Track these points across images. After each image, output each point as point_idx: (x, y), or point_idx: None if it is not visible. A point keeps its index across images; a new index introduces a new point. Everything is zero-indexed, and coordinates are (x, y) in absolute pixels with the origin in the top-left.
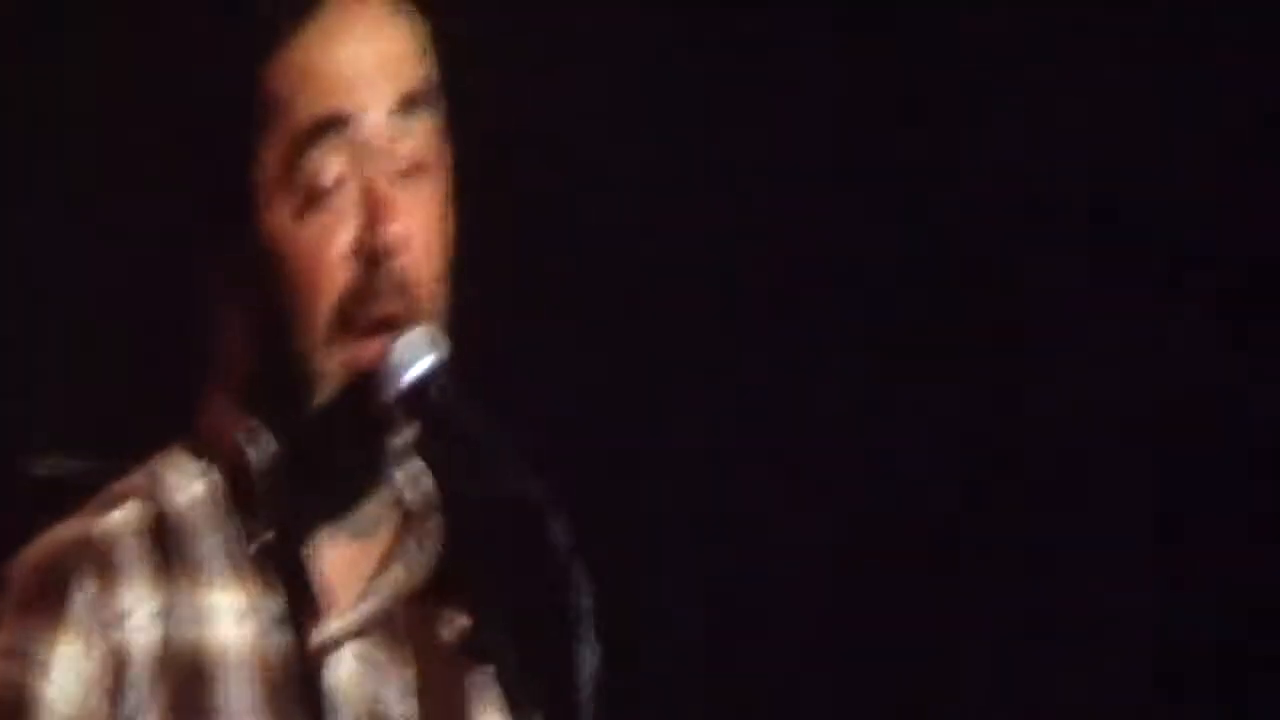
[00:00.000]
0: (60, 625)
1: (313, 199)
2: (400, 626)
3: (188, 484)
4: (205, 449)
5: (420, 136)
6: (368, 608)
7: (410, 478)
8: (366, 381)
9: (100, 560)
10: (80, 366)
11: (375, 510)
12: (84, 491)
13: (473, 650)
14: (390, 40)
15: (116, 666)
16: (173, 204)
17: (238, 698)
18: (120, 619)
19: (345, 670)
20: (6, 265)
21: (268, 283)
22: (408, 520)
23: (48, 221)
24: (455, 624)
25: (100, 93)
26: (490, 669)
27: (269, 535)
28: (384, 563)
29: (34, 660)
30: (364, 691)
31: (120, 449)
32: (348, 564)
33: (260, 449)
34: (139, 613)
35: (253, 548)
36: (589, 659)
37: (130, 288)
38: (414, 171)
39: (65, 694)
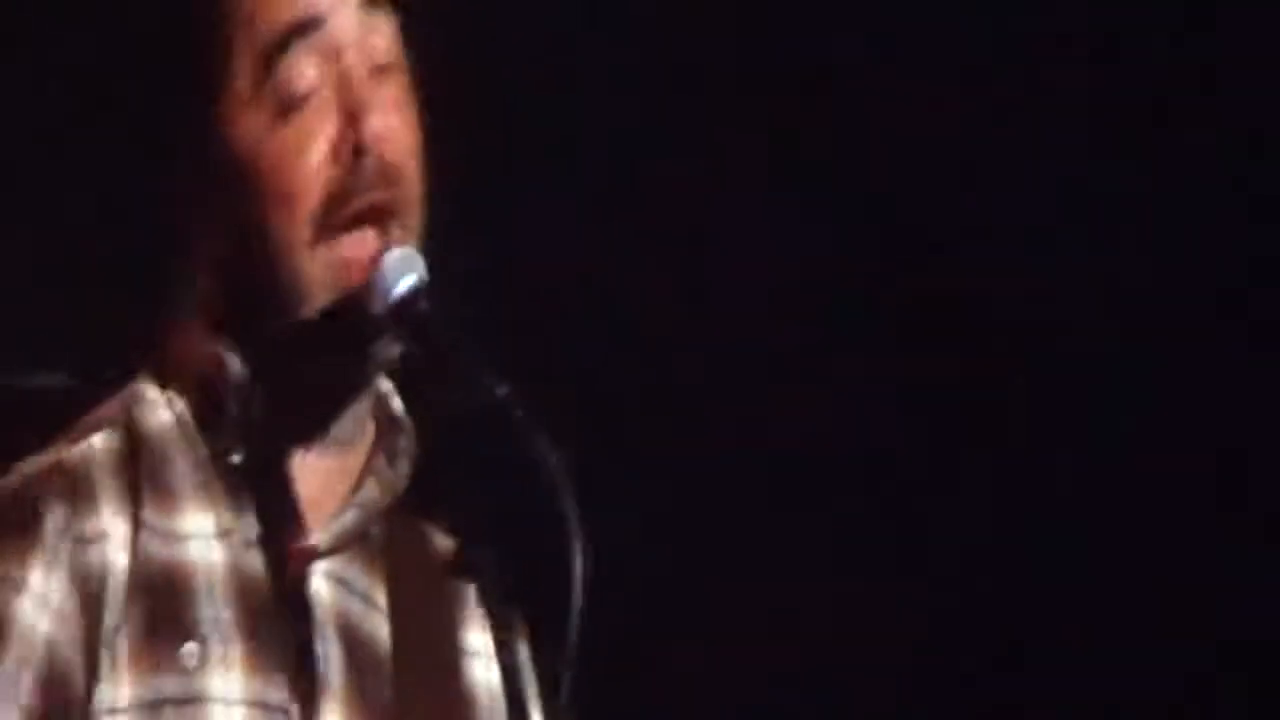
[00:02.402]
0: (33, 547)
1: (288, 105)
2: (375, 544)
3: (155, 412)
4: (171, 376)
5: (386, 34)
6: (340, 526)
7: (383, 394)
8: (356, 294)
9: (73, 485)
10: (50, 288)
11: (350, 426)
12: (58, 405)
13: (457, 567)
14: None
15: (93, 587)
16: (140, 125)
17: (213, 615)
18: (95, 540)
19: (318, 588)
20: None
21: (246, 194)
22: (380, 437)
23: (15, 143)
24: (438, 541)
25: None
26: (474, 584)
27: (239, 455)
28: (358, 480)
29: (8, 580)
30: (336, 610)
31: (87, 368)
32: (323, 481)
33: (234, 368)
34: (114, 535)
35: (224, 468)
36: (578, 571)
37: (97, 211)
38: (384, 70)
39: (40, 613)
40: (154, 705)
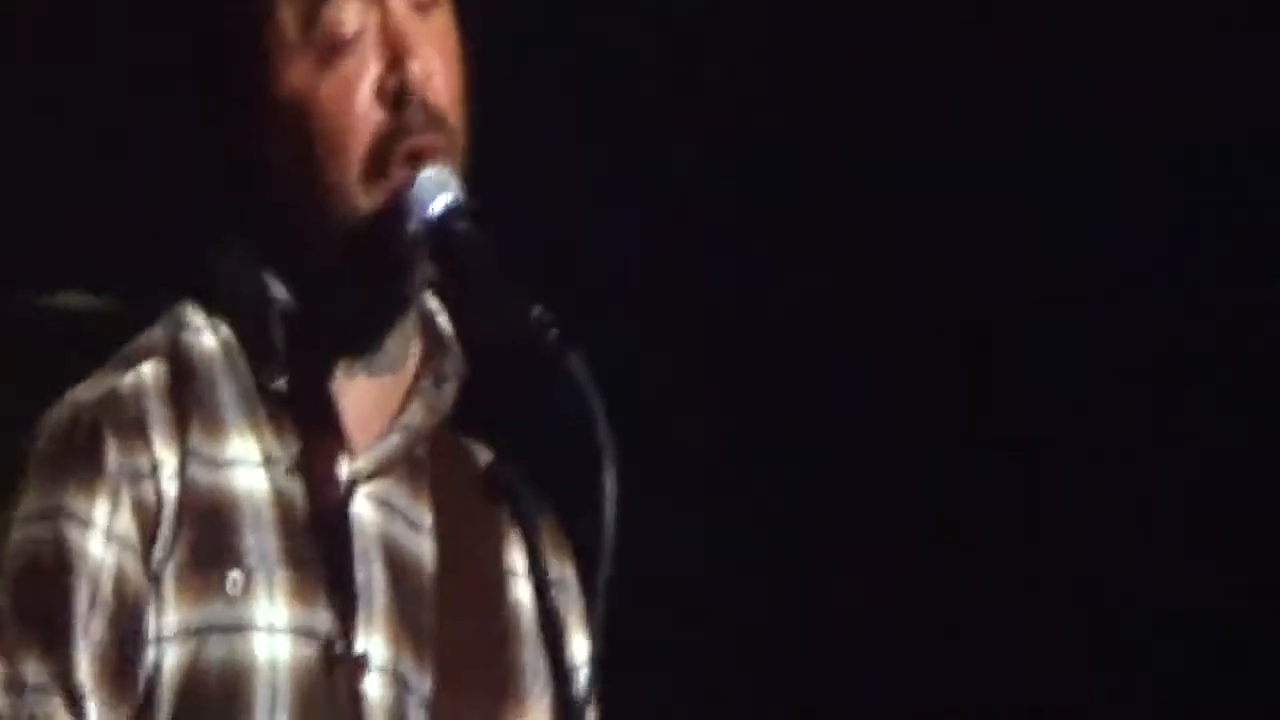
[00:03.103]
0: (96, 481)
1: (334, 49)
2: (423, 466)
3: (201, 337)
4: (217, 302)
5: None
6: (385, 448)
7: (430, 313)
8: (390, 214)
9: (127, 416)
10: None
11: (394, 348)
12: (101, 326)
13: (491, 481)
14: None
15: (147, 518)
16: (191, 61)
17: (258, 543)
18: (150, 472)
19: (361, 511)
20: (25, 111)
21: (295, 136)
22: (426, 358)
23: (67, 69)
24: (481, 459)
25: None
26: (513, 503)
27: (284, 380)
28: (403, 403)
29: (75, 516)
30: (379, 532)
31: (131, 292)
32: (368, 404)
33: (279, 296)
34: (166, 465)
35: (268, 395)
36: (611, 490)
37: (144, 137)
38: (427, 6)
39: (107, 547)
40: (199, 633)
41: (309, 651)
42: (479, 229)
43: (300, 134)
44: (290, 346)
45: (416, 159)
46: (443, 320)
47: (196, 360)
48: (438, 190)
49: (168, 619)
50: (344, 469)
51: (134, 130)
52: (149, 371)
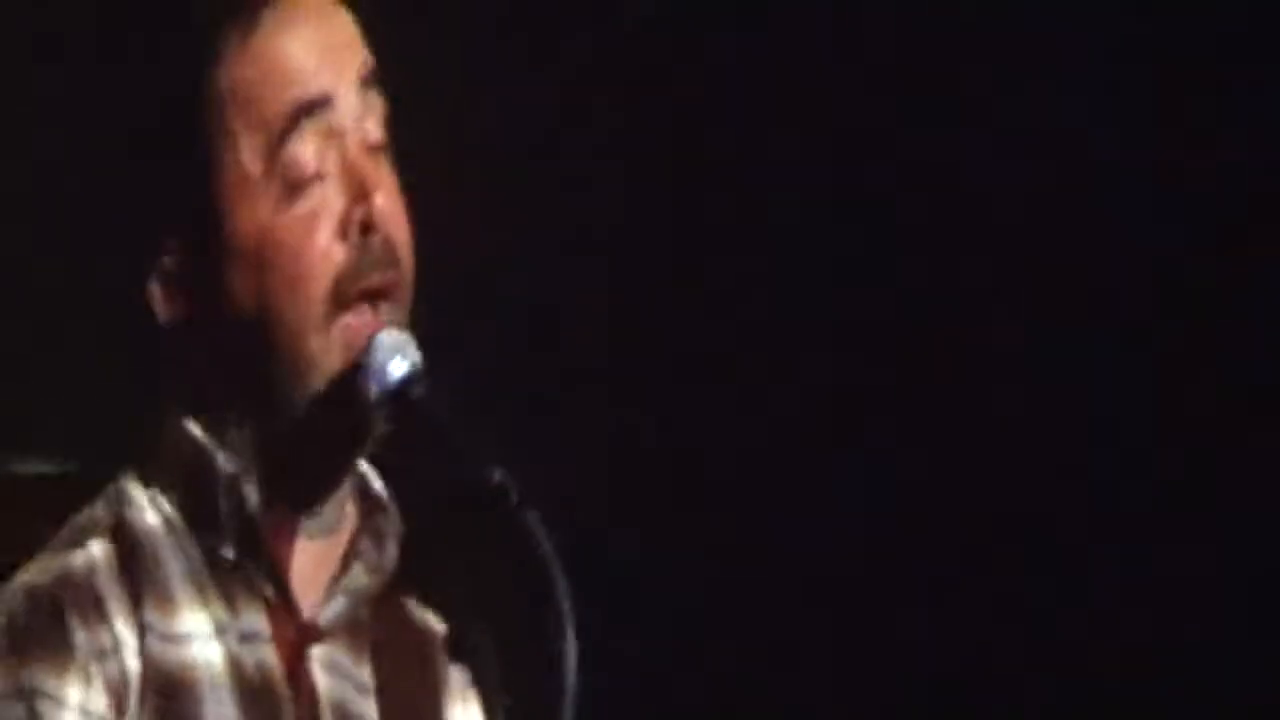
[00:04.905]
0: (65, 660)
1: (295, 187)
2: (363, 626)
3: (144, 514)
4: (156, 473)
5: (379, 114)
6: (330, 613)
7: (363, 475)
8: (348, 379)
9: (85, 595)
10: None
11: (330, 512)
12: (52, 491)
13: (451, 648)
14: (341, 23)
15: (117, 696)
16: (141, 208)
17: (216, 712)
18: (113, 650)
19: (312, 674)
20: None
21: (254, 277)
22: (363, 519)
23: (15, 224)
24: (419, 617)
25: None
26: (467, 666)
27: (231, 551)
28: (343, 564)
29: (48, 695)
30: (330, 697)
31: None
32: (310, 566)
33: (223, 466)
34: (127, 643)
35: (215, 564)
36: (570, 654)
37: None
38: (378, 148)
39: None
40: None
41: None
42: (436, 391)
43: (259, 272)
44: (236, 517)
45: (375, 296)
46: (375, 483)
47: (142, 537)
48: (394, 354)
49: None
50: (293, 634)
51: (84, 281)
52: (99, 550)
